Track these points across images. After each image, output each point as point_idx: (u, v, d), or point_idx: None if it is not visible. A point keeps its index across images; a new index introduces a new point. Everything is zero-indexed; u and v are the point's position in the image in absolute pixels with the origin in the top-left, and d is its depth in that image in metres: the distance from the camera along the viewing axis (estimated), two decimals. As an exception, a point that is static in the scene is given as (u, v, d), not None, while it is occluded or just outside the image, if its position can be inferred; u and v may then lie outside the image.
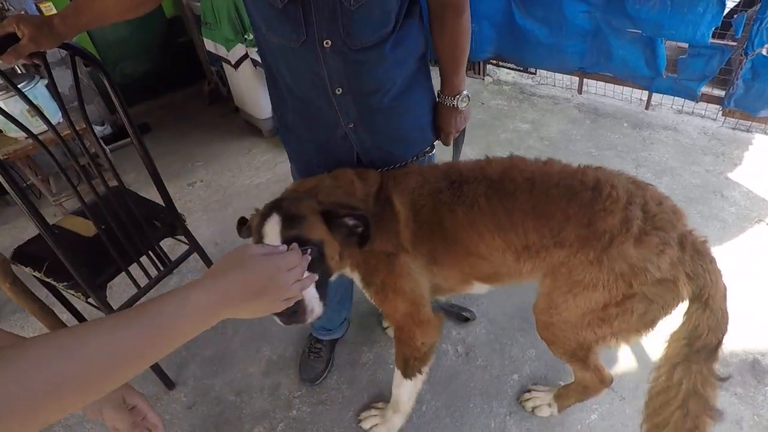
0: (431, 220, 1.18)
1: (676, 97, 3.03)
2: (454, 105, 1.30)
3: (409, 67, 1.21)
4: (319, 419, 1.66)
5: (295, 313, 0.97)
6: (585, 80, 3.43)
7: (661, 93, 3.05)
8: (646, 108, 3.18)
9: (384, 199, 1.19)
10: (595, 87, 3.43)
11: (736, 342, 1.71)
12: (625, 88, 3.26)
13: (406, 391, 1.43)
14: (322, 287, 1.05)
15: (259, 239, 1.03)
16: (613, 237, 1.05)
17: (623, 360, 1.71)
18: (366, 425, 1.60)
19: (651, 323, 1.13)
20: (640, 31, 2.82)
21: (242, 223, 1.19)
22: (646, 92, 3.13)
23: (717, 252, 2.02)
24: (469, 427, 1.58)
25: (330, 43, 1.05)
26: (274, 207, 1.05)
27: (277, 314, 0.92)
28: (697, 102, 2.92)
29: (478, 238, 1.16)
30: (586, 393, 1.46)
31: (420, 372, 1.37)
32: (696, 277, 1.07)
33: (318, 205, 1.08)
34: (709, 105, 2.95)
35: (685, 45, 2.77)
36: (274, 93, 1.28)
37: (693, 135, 2.87)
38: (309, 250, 0.96)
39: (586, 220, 1.07)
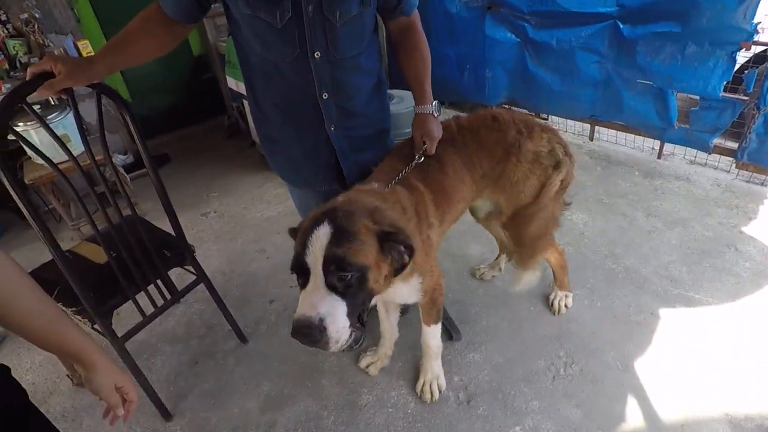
0: (437, 187, 1.47)
1: (689, 148, 3.04)
2: (432, 112, 1.51)
3: (374, 78, 1.48)
4: (313, 462, 1.62)
5: (316, 341, 1.01)
6: (597, 127, 3.47)
7: (673, 143, 3.06)
8: (659, 157, 3.19)
9: (408, 186, 1.40)
10: (606, 134, 3.46)
11: (751, 406, 1.63)
12: (637, 136, 3.28)
13: (438, 334, 1.71)
14: (355, 314, 1.07)
15: (302, 249, 1.04)
16: (518, 142, 1.56)
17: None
18: (435, 393, 1.75)
19: (560, 184, 1.65)
20: (651, 83, 2.87)
21: (295, 231, 1.19)
22: (659, 141, 3.14)
23: (731, 309, 1.99)
24: (468, 480, 1.52)
25: (319, 54, 1.28)
26: (328, 214, 1.07)
27: (296, 336, 1.01)
28: (709, 153, 2.92)
29: (462, 183, 1.54)
30: (564, 268, 2.03)
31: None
32: (559, 142, 1.63)
33: (374, 224, 1.10)
34: (722, 157, 2.94)
35: (697, 96, 2.80)
36: (259, 114, 1.48)
37: (706, 186, 2.85)
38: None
39: (501, 138, 1.57)
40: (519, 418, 1.68)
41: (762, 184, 2.80)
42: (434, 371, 1.76)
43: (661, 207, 2.70)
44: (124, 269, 1.59)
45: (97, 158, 1.53)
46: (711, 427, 1.59)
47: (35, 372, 2.08)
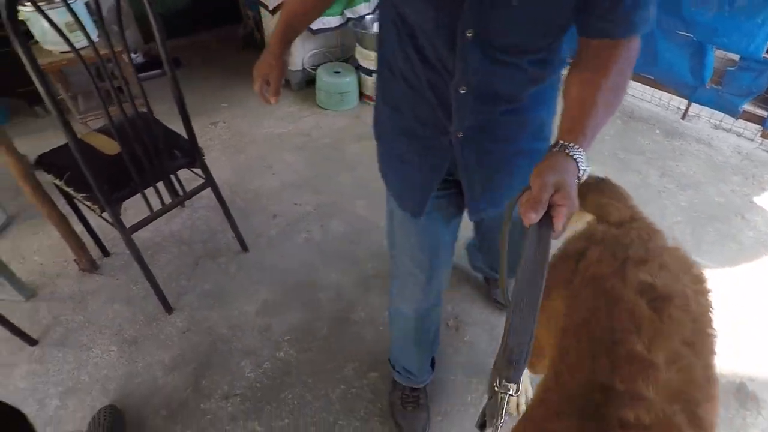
0: None
1: (715, 111, 2.93)
2: (570, 154, 0.75)
3: (542, 83, 0.96)
4: (303, 364, 1.72)
5: None
6: (625, 80, 3.32)
7: (701, 104, 2.95)
8: (683, 118, 3.08)
9: None
10: (633, 89, 3.32)
11: (727, 365, 1.70)
12: (664, 93, 3.15)
13: None
14: None
15: None
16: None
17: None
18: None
19: None
20: (691, 35, 2.71)
21: None
22: (686, 101, 3.03)
23: (728, 274, 2.01)
24: (447, 396, 1.62)
25: (472, 33, 0.80)
26: None
27: None
28: (736, 119, 2.83)
29: None
30: None
31: None
32: None
33: None
34: (749, 124, 2.85)
35: (736, 57, 2.66)
36: (384, 86, 1.08)
37: (726, 152, 2.79)
38: None
39: None
40: (503, 347, 1.75)
41: (783, 157, 2.74)
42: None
43: (677, 168, 2.65)
44: (135, 162, 1.59)
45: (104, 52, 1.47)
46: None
47: (43, 254, 2.15)
